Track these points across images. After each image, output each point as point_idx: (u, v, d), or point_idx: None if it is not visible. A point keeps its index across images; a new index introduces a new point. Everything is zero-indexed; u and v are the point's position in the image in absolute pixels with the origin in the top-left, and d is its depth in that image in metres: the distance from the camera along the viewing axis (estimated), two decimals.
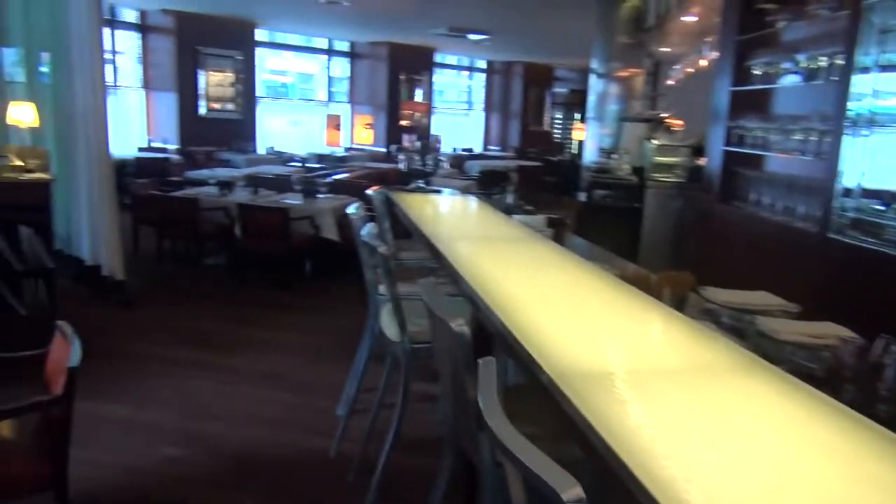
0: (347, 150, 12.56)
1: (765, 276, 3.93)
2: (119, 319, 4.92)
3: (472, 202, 4.07)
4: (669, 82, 9.04)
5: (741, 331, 2.05)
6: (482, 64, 16.85)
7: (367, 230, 2.60)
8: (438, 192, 4.53)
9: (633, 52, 7.63)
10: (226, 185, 6.52)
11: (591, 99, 7.85)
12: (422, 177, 4.49)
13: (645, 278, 2.27)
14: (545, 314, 1.87)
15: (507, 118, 16.95)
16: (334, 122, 7.53)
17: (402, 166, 4.45)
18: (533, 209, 4.11)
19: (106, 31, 10.73)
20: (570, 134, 18.20)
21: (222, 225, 6.14)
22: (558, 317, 1.86)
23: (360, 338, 3.39)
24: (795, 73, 4.00)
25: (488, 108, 17.10)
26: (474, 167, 12.33)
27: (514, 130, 16.88)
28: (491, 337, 1.83)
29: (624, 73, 7.63)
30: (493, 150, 16.65)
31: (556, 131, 17.98)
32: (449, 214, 3.70)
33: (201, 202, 5.99)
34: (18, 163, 3.79)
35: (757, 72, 4.38)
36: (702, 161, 5.74)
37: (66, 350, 2.27)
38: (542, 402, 1.38)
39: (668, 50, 9.60)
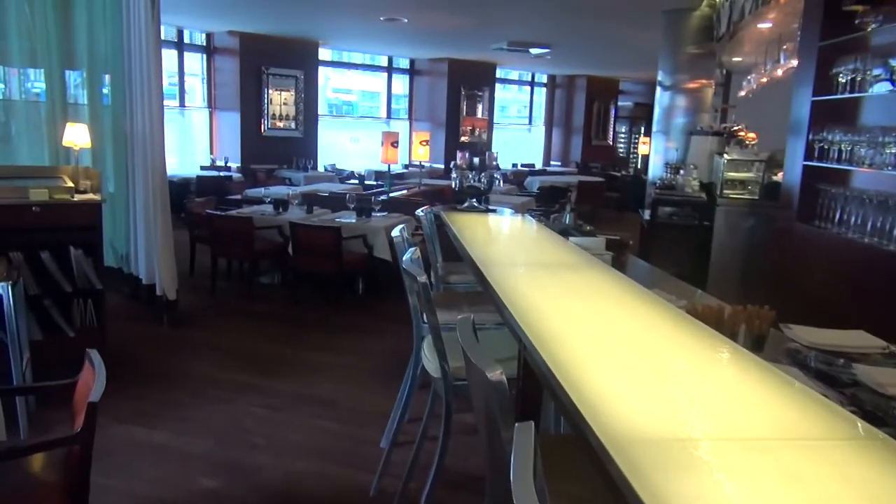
0: (406, 166, 12.52)
1: (848, 307, 3.54)
2: (170, 338, 4.90)
3: (527, 222, 3.85)
4: (741, 93, 8.60)
5: (833, 378, 1.75)
6: (543, 78, 16.60)
7: (408, 255, 2.42)
8: (493, 210, 4.32)
9: (703, 62, 7.26)
10: (280, 204, 6.50)
11: (657, 112, 7.50)
12: (476, 195, 4.29)
13: (717, 313, 1.99)
14: (599, 357, 1.63)
15: (569, 133, 16.62)
16: (391, 139, 7.43)
17: (453, 184, 4.27)
18: (591, 230, 3.85)
19: (174, 53, 11.11)
20: (635, 148, 17.73)
21: (276, 243, 6.10)
22: (614, 361, 1.62)
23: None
24: (888, 80, 3.62)
25: (550, 123, 16.81)
26: (534, 183, 12.07)
27: (575, 145, 16.53)
28: (539, 377, 1.62)
29: (692, 85, 7.26)
30: (555, 165, 16.34)
31: (620, 146, 17.54)
32: (500, 236, 3.49)
33: (255, 221, 5.97)
34: (70, 184, 3.79)
35: (842, 80, 3.99)
36: (778, 176, 5.34)
37: (93, 380, 2.16)
38: (592, 458, 1.15)
39: (740, 59, 9.14)
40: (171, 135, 11.46)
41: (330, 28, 10.47)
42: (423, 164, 9.26)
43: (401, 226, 3.02)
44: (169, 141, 11.37)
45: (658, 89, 7.48)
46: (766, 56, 7.74)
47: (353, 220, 6.10)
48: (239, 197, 8.14)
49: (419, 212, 3.75)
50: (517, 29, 9.64)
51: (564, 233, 3.53)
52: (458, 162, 4.36)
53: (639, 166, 16.92)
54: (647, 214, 6.25)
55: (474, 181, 4.40)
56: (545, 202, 10.45)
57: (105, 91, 5.54)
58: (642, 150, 16.86)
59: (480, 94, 14.34)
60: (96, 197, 3.81)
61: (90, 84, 5.50)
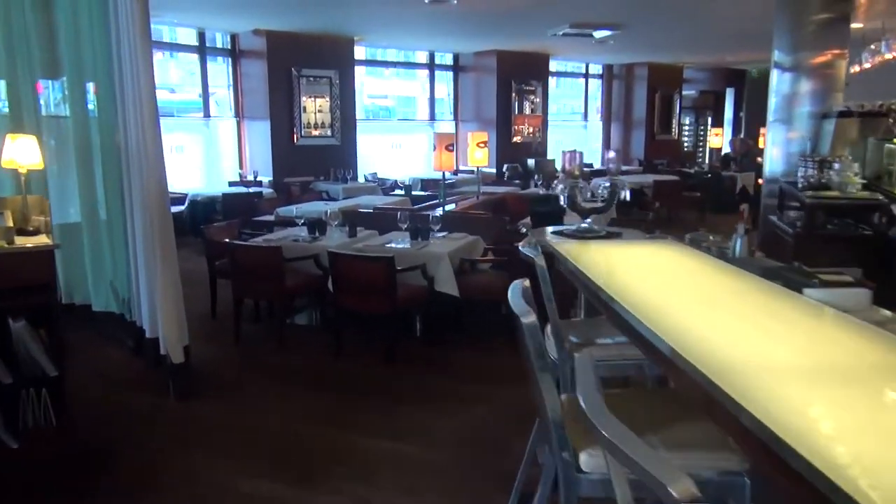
0: (454, 173, 11.22)
1: None
2: (175, 419, 3.67)
3: (691, 256, 2.49)
4: (857, 68, 7.07)
5: None
6: (597, 69, 15.10)
7: (586, 373, 1.11)
8: (618, 235, 2.99)
9: (832, 29, 5.79)
10: (316, 226, 5.26)
11: (773, 99, 6.06)
12: (590, 214, 2.97)
13: None
14: None
15: (630, 127, 15.07)
16: (446, 143, 6.16)
17: (561, 199, 2.98)
18: (798, 266, 2.48)
19: (195, 58, 10.04)
20: (703, 141, 16.14)
21: (313, 276, 4.87)
22: None
23: (506, 445, 1.95)
24: None
25: (608, 117, 15.30)
26: (600, 185, 10.62)
27: (637, 141, 14.98)
28: None
29: (821, 59, 5.79)
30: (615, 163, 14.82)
31: (685, 139, 15.92)
32: (680, 287, 2.13)
33: (286, 250, 4.73)
34: (9, 223, 2.59)
35: None
36: None
37: None
38: None
39: (860, 26, 7.58)
40: (196, 149, 10.43)
41: (366, 20, 9.24)
42: (479, 169, 7.97)
43: (518, 283, 1.71)
44: (194, 155, 10.41)
45: (774, 72, 6.04)
46: None
47: (408, 245, 4.83)
48: (271, 218, 6.96)
49: (523, 249, 2.44)
50: (581, 7, 8.27)
51: (772, 275, 2.17)
52: (567, 167, 3.04)
53: (707, 160, 15.34)
54: (785, 222, 4.84)
55: (588, 195, 3.07)
56: (622, 208, 9.05)
57: (91, 105, 4.42)
58: (713, 142, 15.28)
59: (532, 88, 12.95)
60: (45, 241, 2.60)
61: (72, 93, 4.38)
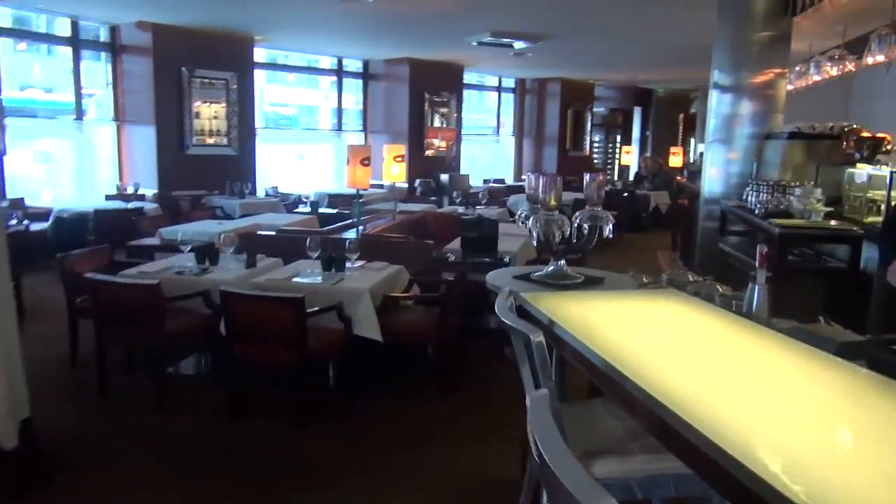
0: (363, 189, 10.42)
1: None
2: None
3: (720, 316, 1.88)
4: (791, 87, 6.92)
5: None
6: (508, 83, 14.78)
7: None
8: (600, 280, 2.36)
9: (774, 47, 5.52)
10: (206, 254, 4.35)
11: (713, 120, 5.73)
12: (571, 253, 2.32)
13: None
14: None
15: (542, 143, 14.83)
16: (361, 156, 5.40)
17: (534, 237, 2.31)
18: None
19: (68, 52, 8.75)
20: (612, 158, 16.18)
21: (201, 317, 3.97)
22: None
23: None
24: None
25: (520, 133, 14.99)
26: (520, 203, 10.15)
27: (549, 157, 14.75)
28: None
29: (762, 78, 5.49)
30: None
31: (595, 156, 15.88)
32: (736, 372, 1.49)
33: (167, 286, 3.81)
34: None
35: None
36: None
37: None
38: None
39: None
40: (67, 157, 9.09)
41: (269, 17, 8.31)
42: (395, 185, 7.25)
43: (543, 401, 1.01)
44: (64, 164, 9.07)
45: (713, 92, 5.72)
46: (844, 37, 6.09)
47: (320, 280, 4.02)
48: (155, 240, 5.92)
49: (504, 317, 1.72)
50: (505, 16, 7.76)
51: (851, 353, 1.58)
52: (541, 194, 2.38)
53: (618, 178, 15.34)
54: (737, 250, 4.42)
55: (562, 229, 2.42)
56: None
57: None
58: (624, 160, 15.31)
59: (445, 100, 12.39)
60: None
61: None
